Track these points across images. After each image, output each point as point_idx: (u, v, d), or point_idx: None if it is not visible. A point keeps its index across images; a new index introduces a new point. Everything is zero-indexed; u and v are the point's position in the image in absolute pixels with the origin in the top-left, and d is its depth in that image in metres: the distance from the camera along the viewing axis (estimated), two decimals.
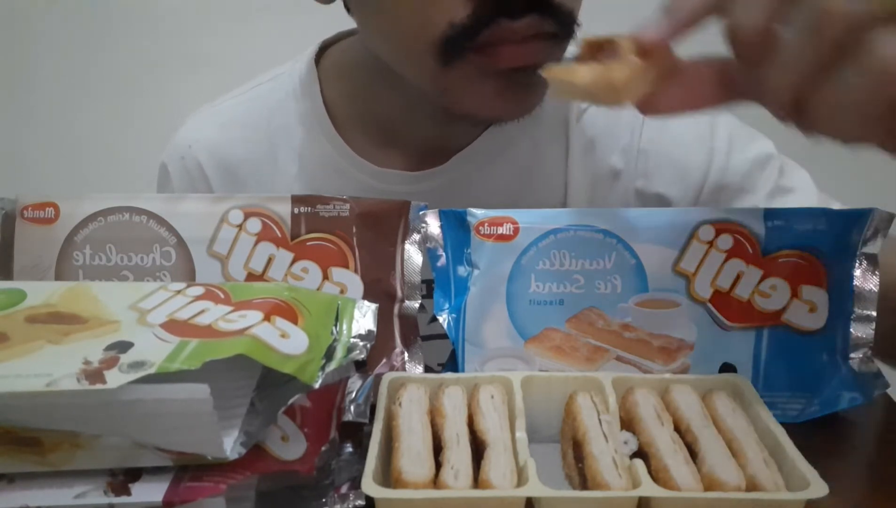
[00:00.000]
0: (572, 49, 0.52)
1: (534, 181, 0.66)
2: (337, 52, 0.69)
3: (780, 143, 0.67)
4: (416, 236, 0.49)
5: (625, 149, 0.65)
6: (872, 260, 0.46)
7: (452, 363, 0.48)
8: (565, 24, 0.51)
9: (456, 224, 0.48)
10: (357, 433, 0.42)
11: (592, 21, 0.53)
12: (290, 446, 0.38)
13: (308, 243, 0.48)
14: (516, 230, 0.47)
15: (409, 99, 0.61)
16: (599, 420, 0.38)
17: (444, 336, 0.48)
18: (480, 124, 0.63)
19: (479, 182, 0.64)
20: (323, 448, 0.39)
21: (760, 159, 0.64)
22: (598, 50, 0.39)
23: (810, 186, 0.64)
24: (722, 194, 0.64)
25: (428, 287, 0.50)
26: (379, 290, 0.48)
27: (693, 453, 0.37)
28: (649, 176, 0.65)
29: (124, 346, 0.36)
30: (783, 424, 0.38)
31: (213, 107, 0.72)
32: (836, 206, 0.63)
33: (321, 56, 0.68)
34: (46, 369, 0.33)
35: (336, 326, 0.41)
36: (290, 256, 0.48)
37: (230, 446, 0.35)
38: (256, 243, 0.48)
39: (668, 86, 0.38)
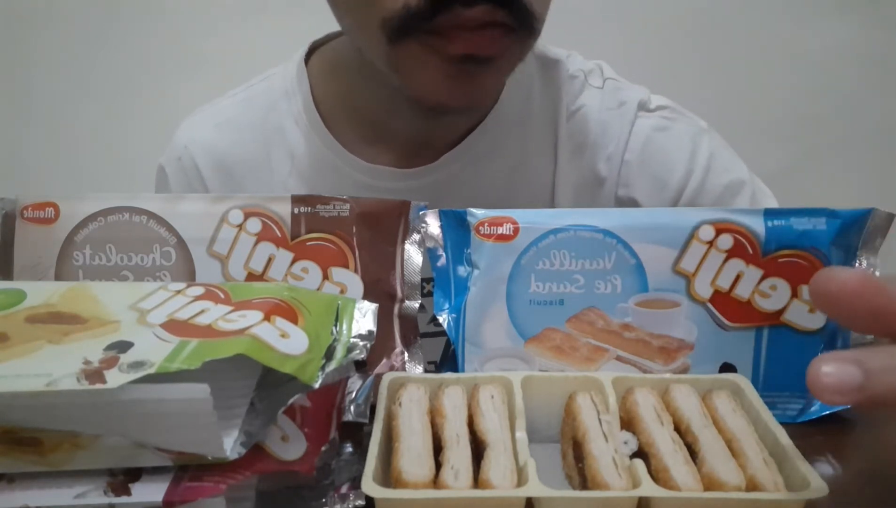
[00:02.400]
0: None
1: (523, 181, 0.66)
2: (326, 51, 0.69)
3: (771, 157, 0.67)
4: (416, 236, 0.49)
5: (610, 157, 0.66)
6: (872, 260, 0.46)
7: (452, 363, 0.48)
8: (522, 19, 0.50)
9: (456, 224, 0.48)
10: (357, 433, 0.42)
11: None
12: (290, 446, 0.38)
13: (308, 243, 0.48)
14: (516, 230, 0.47)
15: (393, 95, 0.61)
16: (599, 420, 0.38)
17: (440, 334, 0.48)
18: (439, 114, 0.63)
19: (470, 180, 0.65)
20: (323, 448, 0.39)
21: (734, 186, 0.66)
22: None
23: None
24: None
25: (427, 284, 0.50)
26: (379, 290, 0.48)
27: (693, 453, 0.37)
28: (629, 186, 0.66)
29: (124, 346, 0.36)
30: (783, 424, 0.38)
31: (208, 108, 0.73)
32: None
33: (311, 56, 0.69)
34: (46, 369, 0.33)
35: (336, 326, 0.41)
36: (290, 256, 0.48)
37: (230, 446, 0.35)
38: (256, 243, 0.48)
39: None
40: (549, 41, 0.60)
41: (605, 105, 0.67)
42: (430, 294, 0.49)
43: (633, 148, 0.66)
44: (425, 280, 0.49)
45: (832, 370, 0.28)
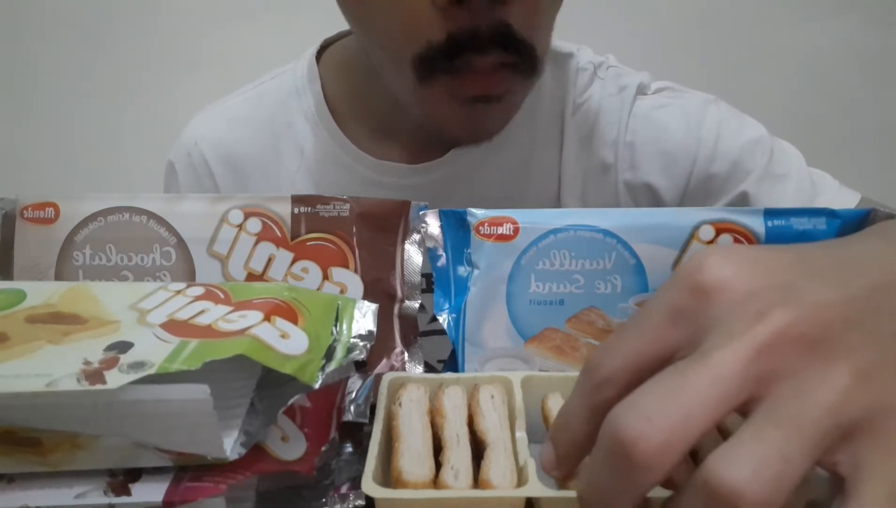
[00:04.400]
0: None
1: (530, 175, 0.66)
2: (337, 49, 0.70)
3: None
4: (416, 236, 0.49)
5: (613, 143, 0.66)
6: None
7: (452, 363, 0.48)
8: (527, 57, 0.53)
9: (456, 224, 0.48)
10: (357, 433, 0.42)
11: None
12: (290, 446, 0.38)
13: (308, 243, 0.48)
14: (516, 230, 0.47)
15: None
16: None
17: (444, 332, 0.48)
18: (449, 144, 0.65)
19: (477, 175, 0.65)
20: (323, 448, 0.39)
21: (749, 145, 0.64)
22: None
23: (801, 171, 0.64)
24: (712, 183, 0.64)
25: (427, 281, 0.50)
26: (379, 290, 0.48)
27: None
28: (636, 167, 0.65)
29: (124, 346, 0.36)
30: None
31: (219, 105, 0.73)
32: (828, 183, 0.63)
33: (322, 54, 0.70)
34: (46, 369, 0.33)
35: (336, 326, 0.41)
36: (290, 256, 0.48)
37: (230, 446, 0.35)
38: (256, 243, 0.48)
39: None
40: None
41: (606, 92, 0.67)
42: (430, 289, 0.49)
43: (634, 129, 0.66)
44: (425, 275, 0.49)
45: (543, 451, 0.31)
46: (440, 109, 0.55)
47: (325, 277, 0.48)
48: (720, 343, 0.25)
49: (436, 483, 0.34)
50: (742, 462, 0.22)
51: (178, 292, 0.42)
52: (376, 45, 0.56)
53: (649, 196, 0.66)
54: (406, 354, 0.48)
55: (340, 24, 0.66)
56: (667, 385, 0.25)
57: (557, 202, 0.66)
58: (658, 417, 0.24)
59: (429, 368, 0.52)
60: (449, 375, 0.43)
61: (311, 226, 0.48)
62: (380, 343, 0.44)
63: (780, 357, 0.24)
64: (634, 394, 0.25)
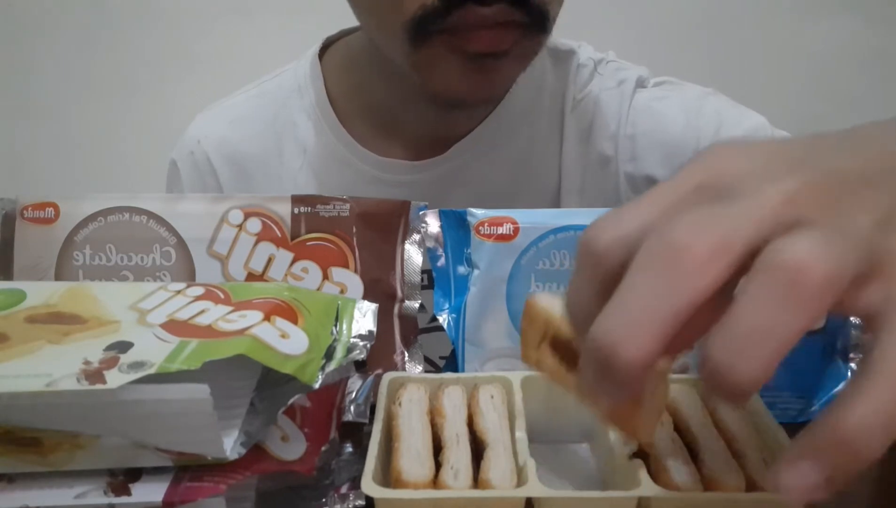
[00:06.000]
0: None
1: (530, 171, 0.66)
2: (340, 47, 0.70)
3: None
4: (416, 236, 0.49)
5: (613, 136, 0.66)
6: None
7: (452, 363, 0.48)
8: (536, 17, 0.52)
9: (456, 224, 0.48)
10: (357, 434, 0.42)
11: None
12: (290, 446, 0.38)
13: (308, 243, 0.48)
14: (516, 230, 0.47)
15: (406, 89, 0.62)
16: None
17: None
18: (455, 107, 0.64)
19: (479, 171, 0.65)
20: (323, 448, 0.39)
21: (749, 133, 0.64)
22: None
23: None
24: None
25: (428, 277, 0.50)
26: (379, 290, 0.48)
27: (693, 453, 0.37)
28: (637, 160, 0.65)
29: (124, 346, 0.36)
30: (783, 424, 0.38)
31: (221, 104, 0.74)
32: None
33: (324, 52, 0.70)
34: (46, 369, 0.33)
35: (336, 326, 0.41)
36: (290, 256, 0.48)
37: (230, 446, 0.35)
38: (256, 243, 0.48)
39: None
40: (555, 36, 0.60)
41: (605, 86, 0.67)
42: (430, 286, 0.49)
43: (634, 122, 0.66)
44: (425, 271, 0.49)
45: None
46: (439, 68, 0.53)
47: (325, 277, 0.48)
48: (747, 194, 0.25)
49: (435, 482, 0.34)
50: (806, 242, 0.23)
51: (178, 292, 0.42)
52: (366, 12, 0.56)
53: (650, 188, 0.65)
54: (406, 354, 0.48)
55: (341, 23, 0.66)
56: (704, 212, 0.25)
57: (558, 196, 0.66)
58: (709, 228, 0.24)
59: (430, 364, 0.52)
60: (449, 375, 0.43)
61: (311, 226, 0.48)
62: (380, 343, 0.44)
63: (804, 207, 0.25)
64: (673, 218, 0.25)
